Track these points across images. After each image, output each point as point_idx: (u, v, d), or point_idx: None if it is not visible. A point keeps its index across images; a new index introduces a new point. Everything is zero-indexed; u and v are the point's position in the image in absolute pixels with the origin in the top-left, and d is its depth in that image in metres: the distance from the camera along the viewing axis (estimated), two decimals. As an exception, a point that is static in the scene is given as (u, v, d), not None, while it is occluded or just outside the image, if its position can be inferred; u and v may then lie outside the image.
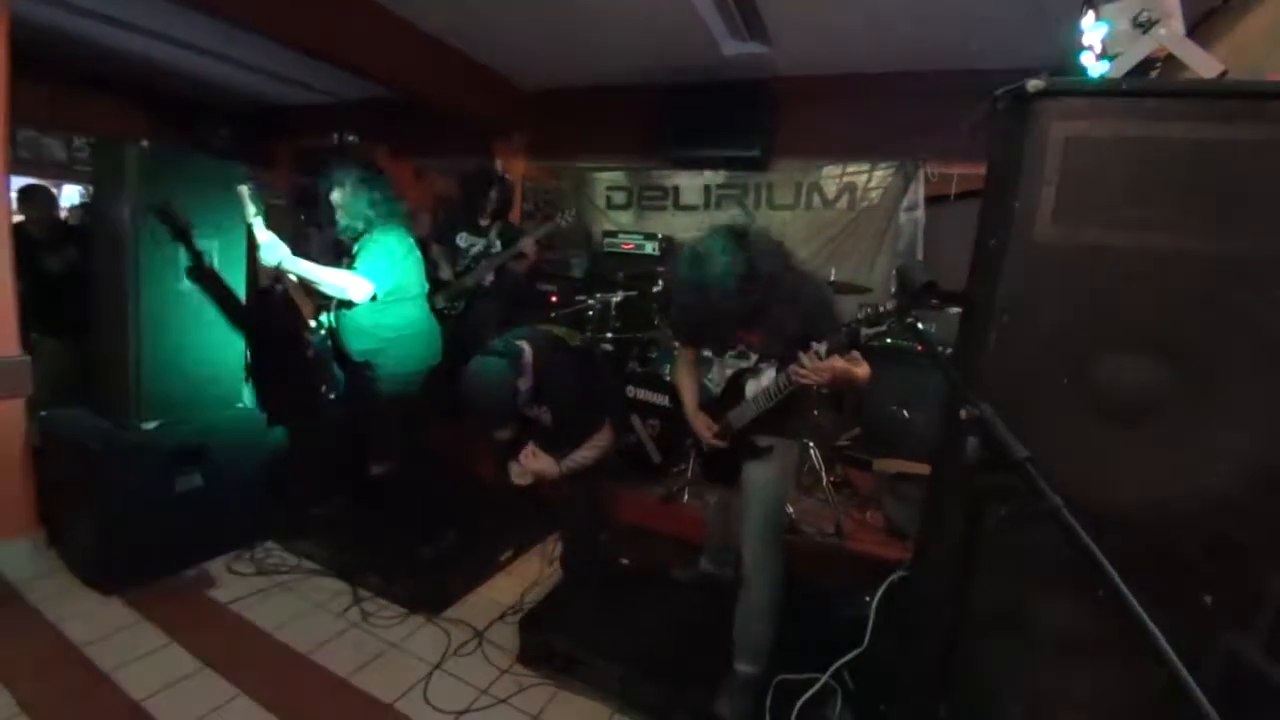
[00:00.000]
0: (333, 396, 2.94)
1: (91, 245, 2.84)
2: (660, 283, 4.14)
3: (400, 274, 2.73)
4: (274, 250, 2.48)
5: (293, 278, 2.60)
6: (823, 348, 1.75)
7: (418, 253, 2.87)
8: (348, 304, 2.69)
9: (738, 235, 1.94)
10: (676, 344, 2.66)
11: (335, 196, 2.71)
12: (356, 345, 2.77)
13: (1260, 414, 1.11)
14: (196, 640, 2.28)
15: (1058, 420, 1.20)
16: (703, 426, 2.20)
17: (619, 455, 3.57)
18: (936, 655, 1.25)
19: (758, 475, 2.07)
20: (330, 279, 2.55)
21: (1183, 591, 1.14)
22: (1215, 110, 1.10)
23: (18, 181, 3.25)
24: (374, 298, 2.66)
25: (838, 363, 1.76)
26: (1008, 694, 1.28)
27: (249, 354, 3.05)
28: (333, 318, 2.79)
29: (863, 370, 1.85)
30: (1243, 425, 1.12)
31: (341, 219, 2.72)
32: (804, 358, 1.77)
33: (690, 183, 4.97)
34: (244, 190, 2.52)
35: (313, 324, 2.83)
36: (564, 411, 2.43)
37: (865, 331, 1.68)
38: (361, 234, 2.71)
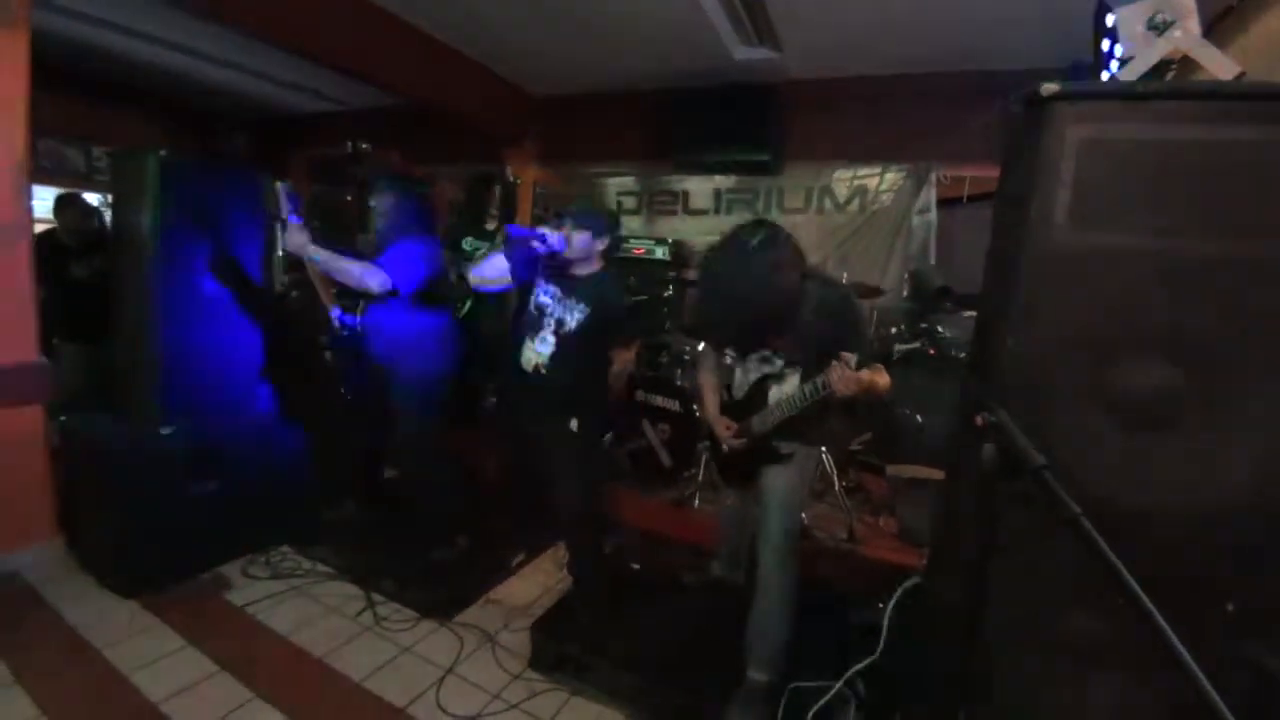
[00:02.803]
0: (349, 397, 2.95)
1: (112, 253, 2.89)
2: (671, 288, 4.15)
3: (426, 280, 2.74)
4: (300, 236, 2.53)
5: (316, 263, 2.63)
6: (853, 360, 1.73)
7: (442, 262, 2.89)
8: (374, 300, 2.72)
9: (771, 233, 1.88)
10: (701, 347, 2.67)
11: (375, 203, 2.79)
12: (381, 348, 2.79)
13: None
14: (212, 643, 2.30)
15: (1075, 425, 1.18)
16: (723, 427, 2.20)
17: (629, 459, 3.59)
18: (952, 664, 1.23)
19: (776, 481, 2.06)
20: (349, 267, 2.57)
21: (1205, 599, 1.12)
22: (1233, 112, 1.09)
23: (40, 190, 3.30)
24: (395, 293, 2.64)
25: (865, 375, 1.73)
26: (1025, 704, 1.26)
27: (266, 357, 3.08)
28: (360, 320, 2.80)
29: (884, 380, 1.84)
30: (1264, 429, 1.10)
31: (379, 224, 2.79)
32: (837, 367, 1.75)
33: (700, 187, 4.98)
34: (281, 188, 2.60)
35: (333, 319, 2.85)
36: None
37: (899, 347, 1.66)
38: (395, 240, 2.76)
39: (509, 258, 2.46)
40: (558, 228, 2.39)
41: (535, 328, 2.47)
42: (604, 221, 2.46)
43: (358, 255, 2.73)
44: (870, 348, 1.72)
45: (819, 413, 1.96)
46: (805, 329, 1.91)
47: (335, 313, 2.90)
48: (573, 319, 2.39)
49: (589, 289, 2.41)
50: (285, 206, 2.57)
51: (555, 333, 2.42)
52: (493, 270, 2.51)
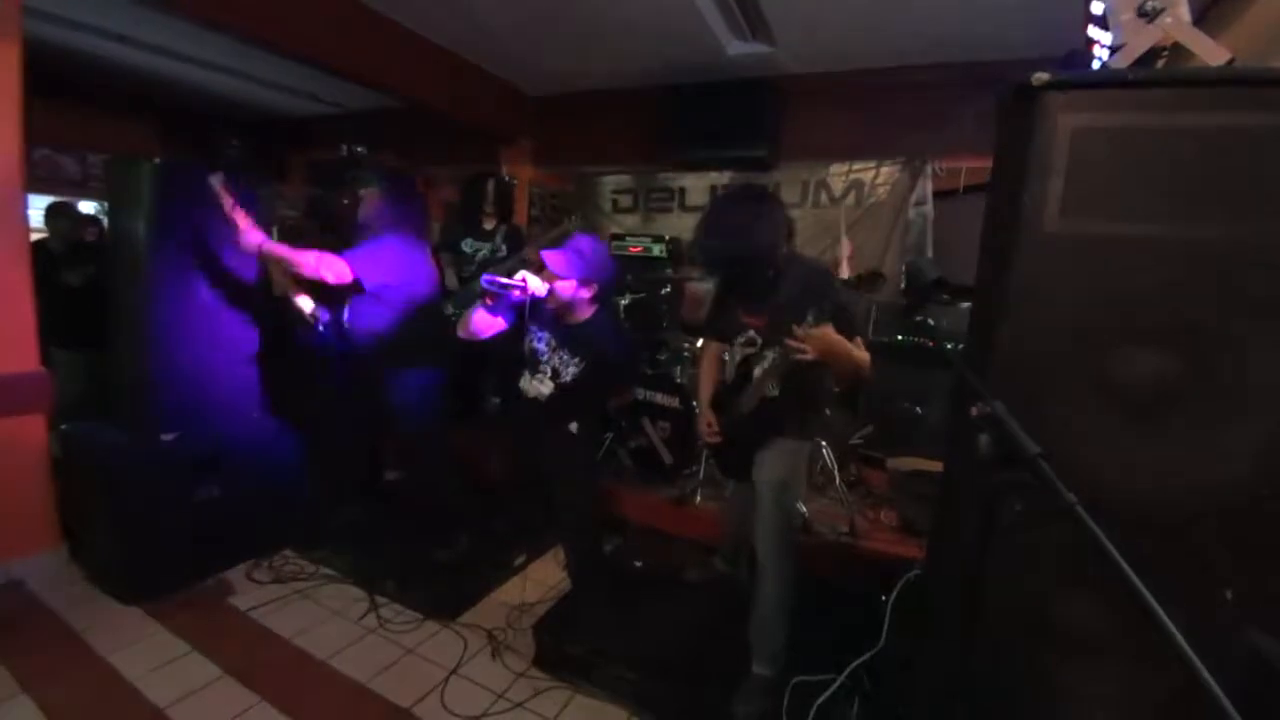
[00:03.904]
0: (339, 399, 2.90)
1: (108, 260, 2.89)
2: (668, 285, 4.15)
3: (398, 276, 2.72)
4: (251, 236, 2.46)
5: (278, 258, 2.56)
6: (810, 317, 1.75)
7: (427, 264, 2.89)
8: (358, 296, 2.71)
9: (759, 192, 2.02)
10: (700, 342, 2.68)
11: (361, 194, 2.76)
12: (368, 347, 2.78)
13: (1278, 404, 1.09)
14: (216, 648, 2.31)
15: (1071, 415, 1.18)
16: (704, 424, 2.25)
17: (630, 456, 3.59)
18: (954, 654, 1.23)
19: (769, 474, 2.07)
20: (304, 259, 2.52)
21: (1203, 587, 1.12)
22: (1223, 98, 1.09)
23: (35, 199, 3.30)
24: (358, 286, 2.63)
25: (830, 332, 1.74)
26: (1026, 693, 1.26)
27: (263, 361, 3.08)
28: (346, 319, 2.79)
29: (862, 354, 1.84)
30: (1261, 417, 1.10)
31: (361, 217, 2.76)
32: (796, 330, 1.77)
33: (696, 184, 4.97)
34: (214, 182, 2.46)
35: (308, 312, 2.82)
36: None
37: (846, 298, 1.69)
38: (374, 235, 2.74)
39: (489, 309, 2.31)
40: (562, 239, 2.31)
41: (533, 369, 2.46)
42: (590, 263, 2.27)
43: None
44: (853, 326, 1.80)
45: (807, 401, 1.99)
46: (781, 306, 1.93)
47: (305, 304, 2.86)
48: (568, 372, 2.37)
49: (583, 341, 2.35)
50: (227, 202, 2.43)
51: (553, 378, 2.41)
52: (479, 325, 2.36)
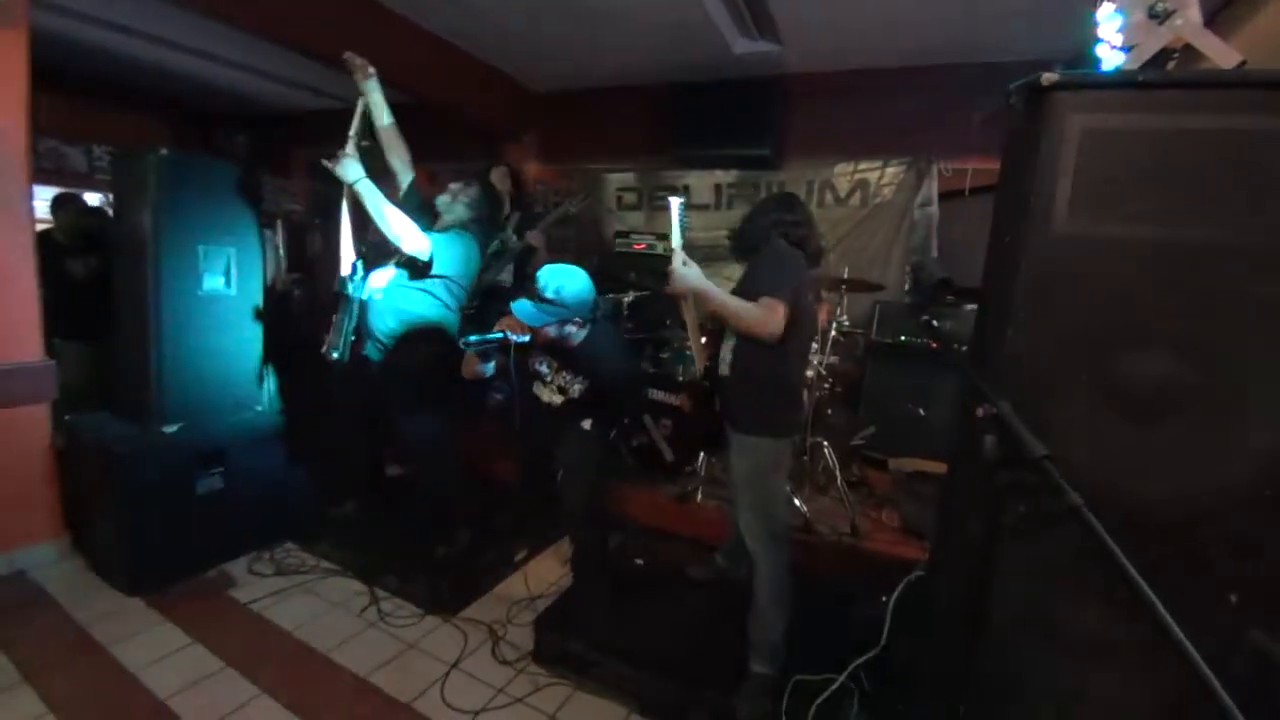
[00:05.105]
0: (335, 355, 2.83)
1: (113, 252, 2.90)
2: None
3: (457, 272, 2.81)
4: (356, 169, 2.54)
5: (362, 197, 2.55)
6: (676, 259, 2.07)
7: (475, 271, 2.98)
8: (400, 270, 2.76)
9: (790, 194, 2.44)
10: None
11: (455, 187, 2.93)
12: (384, 329, 2.78)
13: (1283, 407, 1.09)
14: (218, 640, 2.32)
15: (1077, 417, 1.18)
16: (684, 397, 2.45)
17: (632, 454, 3.59)
18: (955, 655, 1.23)
19: (736, 465, 2.13)
20: (394, 216, 2.54)
21: (1207, 590, 1.12)
22: (1234, 100, 1.08)
23: (41, 190, 3.30)
24: (427, 265, 2.69)
25: (683, 270, 2.02)
26: (1028, 695, 1.26)
27: (267, 355, 3.08)
28: (373, 295, 2.79)
29: (739, 305, 1.97)
30: (1267, 421, 1.10)
31: (443, 205, 2.90)
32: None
33: (701, 182, 4.96)
34: (362, 102, 2.69)
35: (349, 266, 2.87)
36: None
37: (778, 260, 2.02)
38: (452, 226, 2.87)
39: (481, 358, 2.47)
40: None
41: (542, 382, 2.56)
42: (562, 304, 2.30)
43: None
44: (768, 291, 1.93)
45: (753, 382, 2.06)
46: (750, 283, 2.08)
47: (353, 259, 2.88)
48: (574, 390, 2.48)
49: (583, 362, 2.44)
50: (355, 125, 2.62)
51: (560, 393, 2.51)
52: (479, 370, 2.52)
